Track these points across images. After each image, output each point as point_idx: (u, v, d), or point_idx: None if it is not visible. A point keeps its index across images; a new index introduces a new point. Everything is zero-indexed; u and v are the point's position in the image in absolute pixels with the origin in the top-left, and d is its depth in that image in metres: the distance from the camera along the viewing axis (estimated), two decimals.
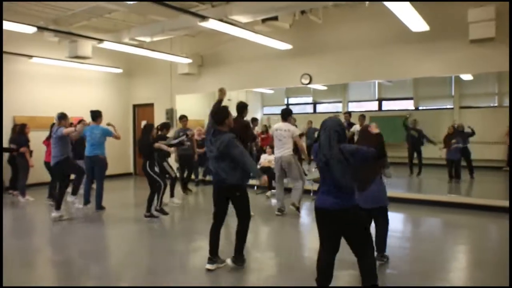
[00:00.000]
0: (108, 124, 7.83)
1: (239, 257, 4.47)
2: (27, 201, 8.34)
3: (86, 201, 7.60)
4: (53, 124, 7.48)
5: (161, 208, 7.02)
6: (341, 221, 3.34)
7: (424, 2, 7.15)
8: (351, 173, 3.30)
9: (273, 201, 8.48)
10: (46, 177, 8.49)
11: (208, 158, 4.67)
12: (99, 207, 7.45)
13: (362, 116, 9.68)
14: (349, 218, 3.34)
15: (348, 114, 10.29)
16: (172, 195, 8.04)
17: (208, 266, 4.43)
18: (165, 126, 7.96)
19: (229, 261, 4.46)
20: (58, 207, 6.85)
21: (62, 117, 6.94)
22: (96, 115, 7.57)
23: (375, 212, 4.40)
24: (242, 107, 6.54)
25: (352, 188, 3.37)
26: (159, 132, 7.60)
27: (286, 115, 7.25)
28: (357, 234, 3.39)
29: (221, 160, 4.35)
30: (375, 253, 3.71)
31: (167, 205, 7.64)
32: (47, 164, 8.18)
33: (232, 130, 4.51)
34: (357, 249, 3.41)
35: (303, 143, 7.49)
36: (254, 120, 10.14)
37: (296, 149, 7.26)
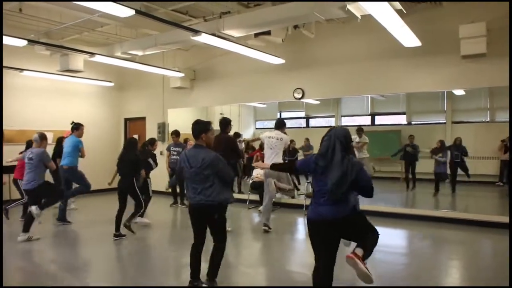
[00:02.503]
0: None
1: (213, 283, 4.09)
2: None
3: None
4: (30, 141, 7.19)
5: (130, 225, 6.46)
6: (341, 229, 3.26)
7: (416, 18, 7.20)
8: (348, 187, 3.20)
9: None
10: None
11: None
12: (62, 218, 7.40)
13: (360, 130, 9.73)
14: (349, 224, 3.26)
15: None
16: (142, 215, 7.34)
17: None
18: (150, 142, 7.89)
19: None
20: (26, 229, 6.26)
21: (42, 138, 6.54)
22: (73, 127, 7.48)
23: None
24: (225, 123, 6.39)
25: (347, 197, 3.24)
26: (146, 148, 7.52)
27: (281, 125, 7.02)
28: (359, 229, 3.32)
29: (201, 178, 3.99)
30: None
31: (136, 223, 7.16)
32: (15, 181, 7.84)
33: (213, 149, 4.20)
34: (359, 235, 3.33)
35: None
36: (237, 135, 10.04)
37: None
